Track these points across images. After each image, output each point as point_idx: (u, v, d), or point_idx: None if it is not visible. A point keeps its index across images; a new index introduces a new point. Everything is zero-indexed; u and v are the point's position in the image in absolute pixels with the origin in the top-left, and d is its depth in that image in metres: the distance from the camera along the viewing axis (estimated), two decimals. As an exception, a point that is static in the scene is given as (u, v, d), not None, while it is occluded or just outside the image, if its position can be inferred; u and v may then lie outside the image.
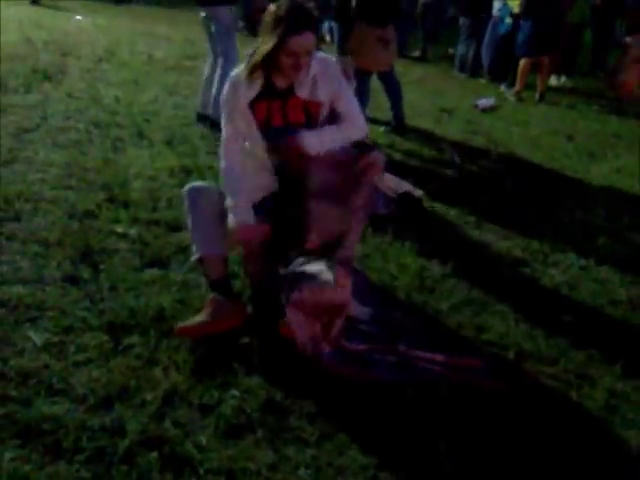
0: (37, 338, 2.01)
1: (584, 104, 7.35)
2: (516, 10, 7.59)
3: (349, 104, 2.37)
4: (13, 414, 1.69)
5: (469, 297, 2.71)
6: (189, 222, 2.28)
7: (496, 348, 2.38)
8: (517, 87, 7.41)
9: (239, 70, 2.29)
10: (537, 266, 3.09)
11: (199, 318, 2.18)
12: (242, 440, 1.74)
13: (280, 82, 2.27)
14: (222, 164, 2.32)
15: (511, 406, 2.07)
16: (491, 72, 8.15)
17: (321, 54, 2.39)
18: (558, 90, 8.07)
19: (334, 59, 2.43)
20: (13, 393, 1.77)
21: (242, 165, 2.30)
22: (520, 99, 7.31)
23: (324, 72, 2.33)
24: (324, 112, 2.34)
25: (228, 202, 2.20)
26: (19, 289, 2.25)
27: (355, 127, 2.35)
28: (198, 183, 2.39)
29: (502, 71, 8.02)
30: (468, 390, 2.09)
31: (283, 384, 1.99)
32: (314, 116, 2.33)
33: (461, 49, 8.73)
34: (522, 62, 7.35)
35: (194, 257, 2.27)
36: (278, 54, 2.13)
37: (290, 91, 2.29)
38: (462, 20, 8.61)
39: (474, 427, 1.94)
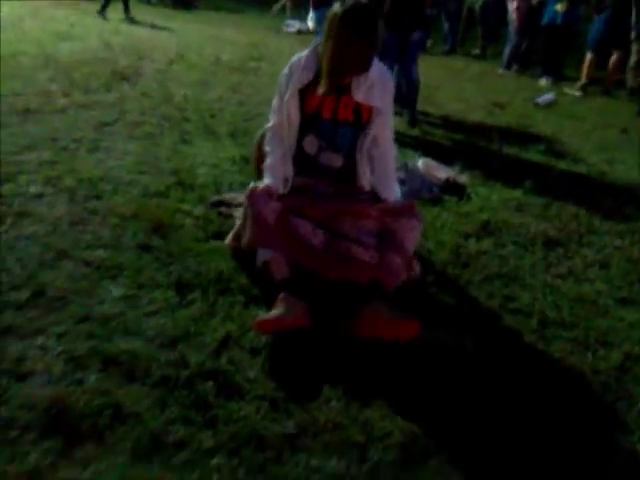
0: (116, 291, 2.37)
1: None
2: None
3: (389, 122, 2.64)
4: (96, 347, 2.04)
5: (501, 271, 2.91)
6: (252, 227, 2.45)
7: (521, 315, 2.59)
8: (583, 80, 7.45)
9: (300, 55, 2.56)
10: (571, 246, 3.26)
11: (275, 312, 2.20)
12: (284, 377, 2.03)
13: (342, 78, 2.46)
14: (267, 148, 2.65)
15: (525, 362, 2.29)
16: (545, 66, 8.25)
17: (381, 64, 2.61)
18: (620, 84, 8.01)
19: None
20: (97, 331, 2.12)
21: (283, 152, 2.61)
22: (585, 93, 7.34)
23: (383, 83, 2.56)
24: (375, 117, 2.55)
25: (266, 181, 2.55)
26: (101, 253, 2.62)
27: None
28: (260, 187, 2.51)
29: (555, 65, 8.10)
30: (488, 348, 2.33)
31: (321, 330, 2.27)
32: (362, 119, 2.56)
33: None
34: (589, 56, 7.40)
35: (259, 262, 2.41)
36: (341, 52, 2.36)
37: (346, 89, 2.51)
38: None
39: (490, 382, 2.17)
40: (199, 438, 1.73)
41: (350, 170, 2.64)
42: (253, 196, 2.49)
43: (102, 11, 10.16)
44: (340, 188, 2.62)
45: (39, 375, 1.88)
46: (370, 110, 2.55)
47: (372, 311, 2.22)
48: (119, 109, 4.78)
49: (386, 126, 2.61)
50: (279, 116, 2.61)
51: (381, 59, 2.68)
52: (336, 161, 2.63)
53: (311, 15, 8.64)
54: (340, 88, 2.50)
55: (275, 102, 2.65)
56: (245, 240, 2.51)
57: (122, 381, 1.91)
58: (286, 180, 2.58)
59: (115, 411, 1.77)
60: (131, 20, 10.09)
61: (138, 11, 10.50)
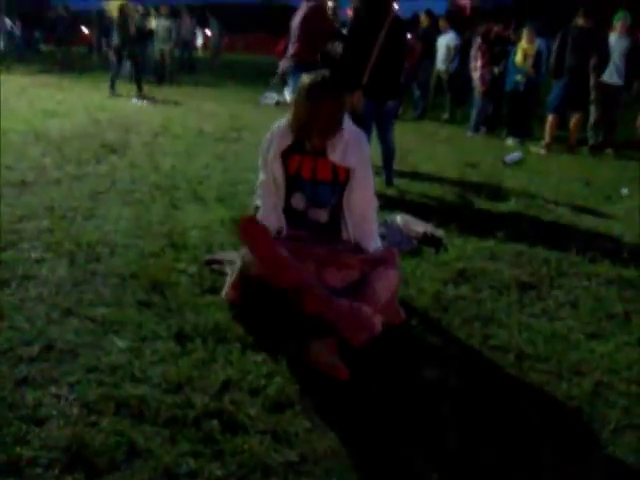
0: (121, 343, 2.52)
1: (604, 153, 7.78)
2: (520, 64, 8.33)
3: (367, 179, 2.86)
4: (107, 393, 2.19)
5: (479, 314, 3.11)
6: (254, 254, 2.69)
7: (499, 352, 2.78)
8: (547, 140, 7.90)
9: (280, 123, 2.84)
10: (543, 288, 3.49)
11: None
12: (283, 413, 2.19)
13: (314, 143, 2.72)
14: (258, 202, 2.92)
15: (504, 393, 2.47)
16: (511, 128, 8.75)
17: (355, 127, 2.88)
18: (583, 141, 8.47)
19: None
20: (106, 380, 2.27)
21: (274, 203, 2.86)
22: (549, 151, 7.79)
23: (358, 143, 2.81)
24: (352, 175, 2.78)
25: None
26: (103, 310, 2.79)
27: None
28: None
29: (523, 127, 8.62)
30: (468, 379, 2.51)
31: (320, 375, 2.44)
32: (340, 178, 2.81)
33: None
34: (550, 117, 7.88)
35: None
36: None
37: (322, 152, 2.77)
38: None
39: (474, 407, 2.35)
40: (209, 469, 1.87)
41: (336, 224, 2.88)
42: (248, 232, 2.74)
43: (112, 89, 10.76)
44: (327, 240, 2.84)
45: (56, 419, 2.02)
46: (347, 170, 2.80)
47: (316, 349, 2.46)
48: (110, 179, 5.02)
49: (364, 182, 2.85)
50: (266, 174, 2.89)
51: (359, 125, 2.96)
52: (322, 216, 2.87)
53: (288, 88, 9.11)
54: (317, 151, 2.75)
55: (260, 161, 2.94)
56: (254, 270, 2.69)
57: (134, 422, 2.06)
58: (279, 232, 2.81)
59: (130, 448, 1.92)
60: (148, 99, 10.44)
61: (123, 88, 10.96)
